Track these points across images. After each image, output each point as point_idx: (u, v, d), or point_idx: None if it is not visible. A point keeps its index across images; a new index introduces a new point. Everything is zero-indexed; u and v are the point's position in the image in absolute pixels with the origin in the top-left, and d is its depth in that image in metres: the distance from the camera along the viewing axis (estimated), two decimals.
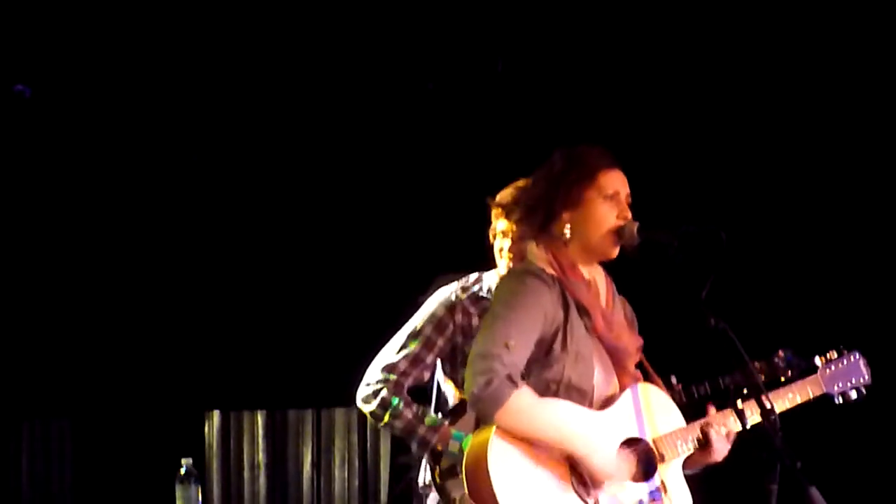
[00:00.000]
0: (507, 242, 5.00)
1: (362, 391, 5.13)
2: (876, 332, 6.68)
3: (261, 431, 7.74)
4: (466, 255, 5.24)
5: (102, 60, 7.25)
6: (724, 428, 4.14)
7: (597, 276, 4.22)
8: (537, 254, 4.16)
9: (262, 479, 7.73)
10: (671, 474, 4.11)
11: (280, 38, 7.31)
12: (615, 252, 4.14)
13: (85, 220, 7.53)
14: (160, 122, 7.46)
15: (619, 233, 4.11)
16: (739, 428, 4.15)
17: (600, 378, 4.11)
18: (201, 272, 7.64)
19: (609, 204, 4.12)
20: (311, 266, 7.59)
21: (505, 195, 5.02)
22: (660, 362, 4.30)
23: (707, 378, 5.80)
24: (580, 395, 4.05)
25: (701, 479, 4.22)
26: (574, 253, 4.13)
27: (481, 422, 4.00)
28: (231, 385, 7.63)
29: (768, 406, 3.94)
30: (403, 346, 5.11)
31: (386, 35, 7.30)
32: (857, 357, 4.49)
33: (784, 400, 4.30)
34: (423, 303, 5.21)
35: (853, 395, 4.46)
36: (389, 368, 5.09)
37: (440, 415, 5.10)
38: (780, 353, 5.75)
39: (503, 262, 5.03)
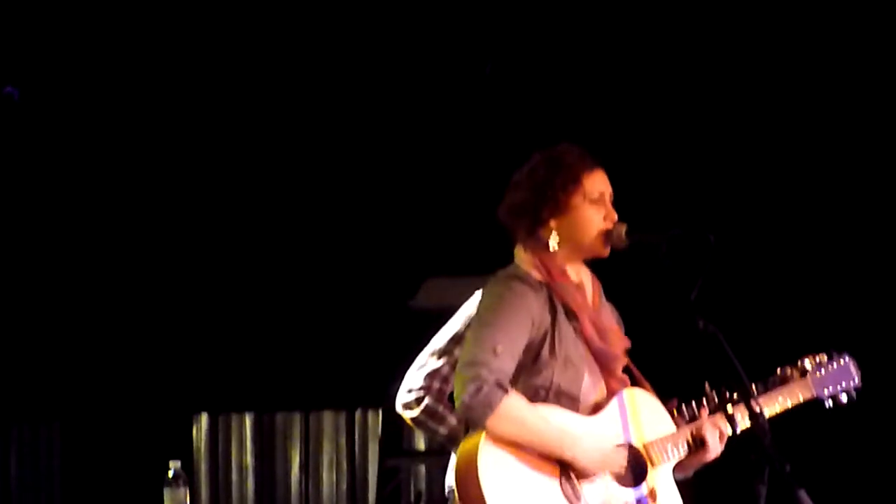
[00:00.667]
0: None
1: (403, 397, 5.08)
2: (867, 334, 6.70)
3: (249, 434, 7.73)
4: (456, 258, 5.24)
5: (92, 62, 7.25)
6: (716, 430, 4.14)
7: (584, 277, 4.21)
8: (524, 258, 4.15)
9: (250, 482, 7.72)
10: (661, 480, 4.10)
11: (274, 39, 7.31)
12: (604, 252, 4.13)
13: (75, 225, 7.51)
14: (152, 124, 7.45)
15: (607, 236, 4.11)
16: (730, 432, 4.15)
17: (588, 382, 4.10)
18: (190, 276, 7.62)
19: (595, 207, 4.11)
20: (300, 269, 7.58)
21: None
22: (649, 366, 4.30)
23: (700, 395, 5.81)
24: (570, 400, 4.04)
25: (690, 480, 4.23)
26: (562, 257, 4.13)
27: (471, 428, 3.99)
28: (219, 388, 7.62)
29: (757, 409, 3.95)
30: (446, 352, 5.07)
31: (377, 37, 7.30)
32: (847, 360, 4.47)
33: (774, 404, 4.29)
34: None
35: (843, 398, 4.45)
36: (432, 375, 5.05)
37: None
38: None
39: None
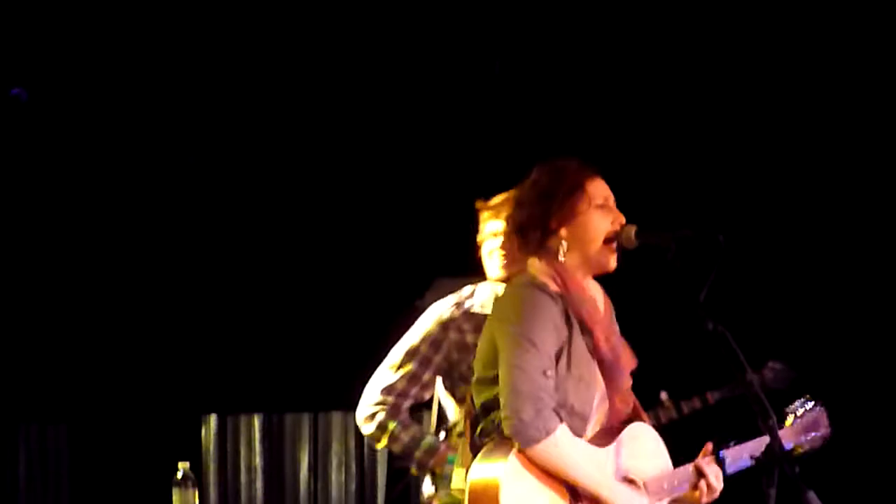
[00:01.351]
0: (498, 242, 4.98)
1: (361, 411, 5.12)
2: (867, 335, 6.70)
3: (258, 435, 7.72)
4: (464, 259, 5.22)
5: (99, 64, 7.25)
6: (717, 469, 4.14)
7: (595, 292, 4.20)
8: (539, 268, 4.11)
9: (258, 483, 7.72)
10: None
11: (275, 41, 7.31)
12: (613, 263, 4.11)
13: (82, 225, 7.52)
14: (156, 126, 7.45)
15: (616, 238, 4.10)
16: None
17: (598, 401, 4.10)
18: (198, 276, 7.63)
19: (601, 212, 4.11)
20: (309, 269, 7.58)
21: (497, 197, 5.00)
22: (655, 371, 4.29)
23: (696, 393, 5.80)
24: (581, 420, 4.03)
25: None
26: (573, 267, 4.11)
27: (518, 447, 3.96)
28: (228, 389, 7.62)
29: (768, 410, 3.93)
30: (401, 366, 5.08)
31: (383, 37, 7.29)
32: (820, 409, 4.47)
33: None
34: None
35: (816, 445, 4.46)
36: (388, 390, 5.07)
37: (440, 436, 5.09)
38: (770, 364, 5.76)
39: (494, 264, 5.00)
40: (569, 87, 7.22)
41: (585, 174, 4.12)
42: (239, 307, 7.60)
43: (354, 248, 7.52)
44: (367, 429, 5.08)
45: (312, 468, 7.68)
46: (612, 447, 4.07)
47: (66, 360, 7.53)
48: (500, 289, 4.89)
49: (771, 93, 7.03)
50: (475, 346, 4.66)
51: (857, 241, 6.94)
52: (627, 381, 4.16)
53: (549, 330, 3.99)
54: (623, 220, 4.11)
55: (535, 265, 4.13)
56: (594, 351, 4.09)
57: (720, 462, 4.11)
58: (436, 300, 5.15)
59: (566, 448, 3.92)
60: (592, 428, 4.08)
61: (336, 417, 7.67)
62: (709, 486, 4.13)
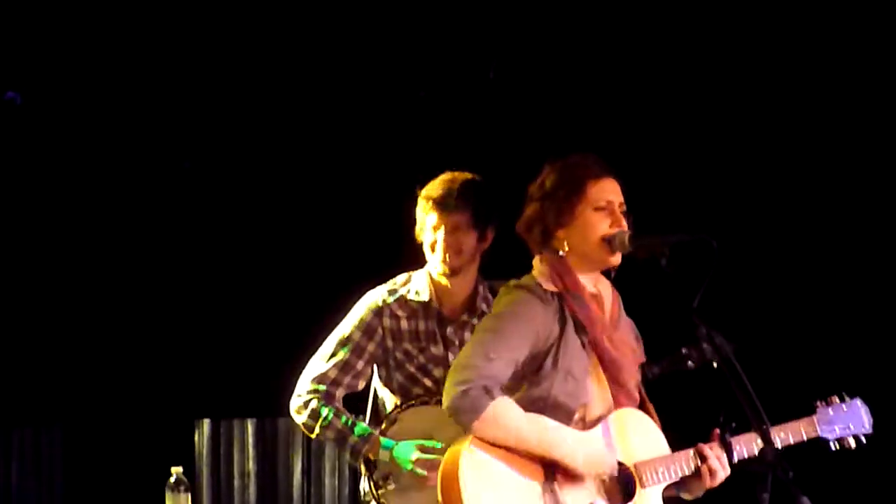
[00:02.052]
0: (440, 235, 4.98)
1: (294, 402, 5.15)
2: (868, 335, 6.70)
3: (251, 440, 7.72)
4: None
5: (93, 67, 7.25)
6: (721, 453, 4.14)
7: (603, 289, 4.22)
8: (539, 268, 4.18)
9: (252, 488, 7.71)
10: (650, 501, 4.09)
11: (271, 44, 7.31)
12: (616, 259, 4.13)
13: (76, 228, 7.52)
14: (152, 130, 7.45)
15: (610, 241, 4.11)
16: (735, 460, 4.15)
17: (595, 395, 4.11)
18: (191, 280, 7.62)
19: (600, 214, 4.13)
20: (303, 275, 7.57)
21: (434, 187, 5.02)
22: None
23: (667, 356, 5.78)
24: (565, 414, 4.05)
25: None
26: (574, 266, 4.13)
27: (461, 432, 3.99)
28: (221, 393, 7.61)
29: (762, 414, 3.93)
30: (333, 354, 5.11)
31: (377, 41, 7.30)
32: (859, 404, 4.45)
33: (775, 439, 4.27)
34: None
35: (852, 442, 4.43)
36: (319, 379, 5.10)
37: (375, 423, 5.10)
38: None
39: (436, 257, 5.01)
40: (563, 92, 7.23)
41: (590, 175, 4.14)
42: (233, 312, 7.59)
43: (349, 254, 7.51)
44: (300, 418, 5.10)
45: (306, 473, 7.68)
46: (593, 431, 4.07)
47: (61, 363, 7.52)
48: (444, 280, 4.92)
49: (769, 95, 7.04)
50: (410, 332, 4.73)
51: (853, 245, 6.95)
52: (631, 377, 4.17)
53: (521, 326, 4.05)
54: (623, 224, 4.13)
55: (537, 266, 4.19)
56: (594, 348, 4.11)
57: (726, 446, 4.11)
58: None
59: (503, 423, 3.93)
60: (591, 419, 4.09)
61: None
62: (711, 469, 4.12)
